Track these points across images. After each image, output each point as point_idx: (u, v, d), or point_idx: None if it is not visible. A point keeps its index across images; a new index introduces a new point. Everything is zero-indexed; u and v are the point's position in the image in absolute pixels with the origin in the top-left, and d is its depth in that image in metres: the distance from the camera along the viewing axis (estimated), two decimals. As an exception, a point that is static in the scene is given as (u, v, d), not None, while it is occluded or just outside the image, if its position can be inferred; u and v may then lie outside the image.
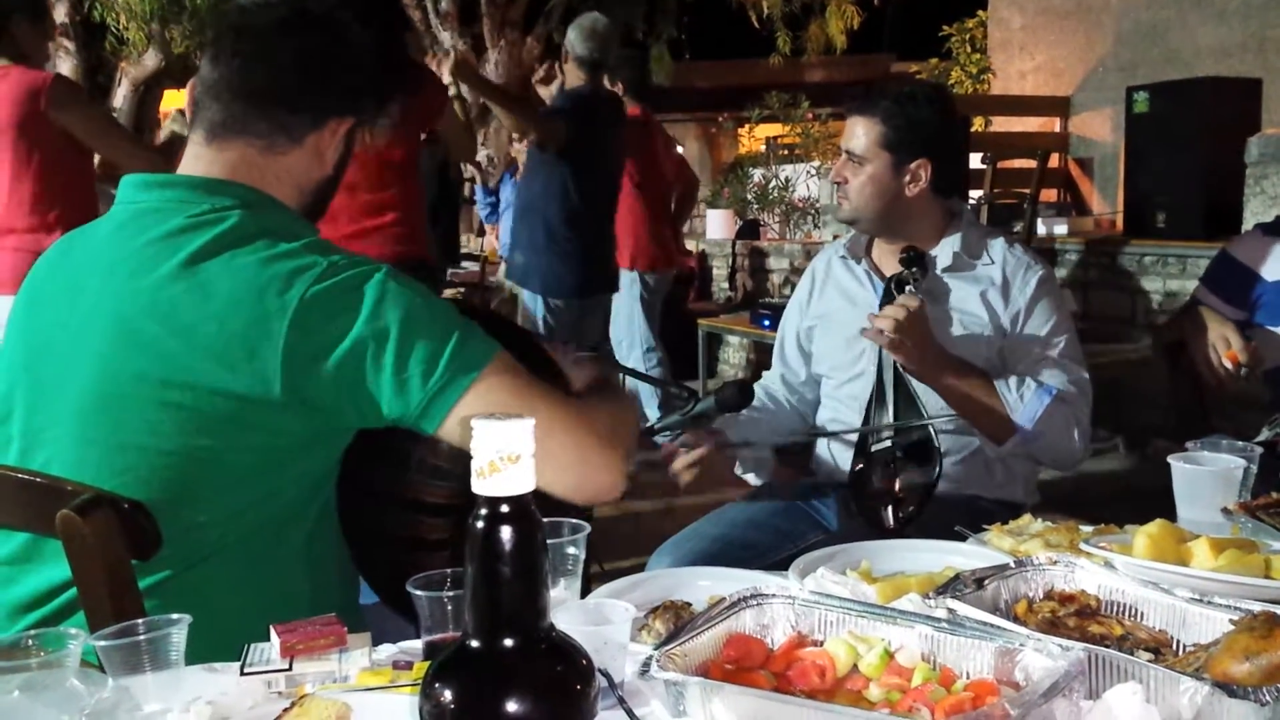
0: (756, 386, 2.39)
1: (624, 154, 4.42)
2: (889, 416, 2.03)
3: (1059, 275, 5.46)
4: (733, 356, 7.27)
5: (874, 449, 2.04)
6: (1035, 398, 1.99)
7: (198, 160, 1.39)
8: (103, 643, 1.05)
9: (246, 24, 1.41)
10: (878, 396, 2.06)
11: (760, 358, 6.78)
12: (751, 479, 2.28)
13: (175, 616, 1.08)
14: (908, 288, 2.06)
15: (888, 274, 2.18)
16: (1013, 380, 2.02)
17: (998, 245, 2.17)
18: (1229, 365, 2.09)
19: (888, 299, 2.06)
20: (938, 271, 2.14)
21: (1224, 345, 2.12)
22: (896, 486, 1.98)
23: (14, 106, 3.11)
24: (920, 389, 2.02)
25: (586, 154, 4.06)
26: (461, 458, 1.29)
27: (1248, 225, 4.40)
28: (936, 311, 2.11)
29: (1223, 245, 2.42)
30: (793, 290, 2.50)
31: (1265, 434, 1.82)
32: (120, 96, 10.45)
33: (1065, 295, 2.24)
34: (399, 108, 3.07)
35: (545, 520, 0.73)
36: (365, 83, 1.48)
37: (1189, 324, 2.26)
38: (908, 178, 2.12)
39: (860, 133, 2.14)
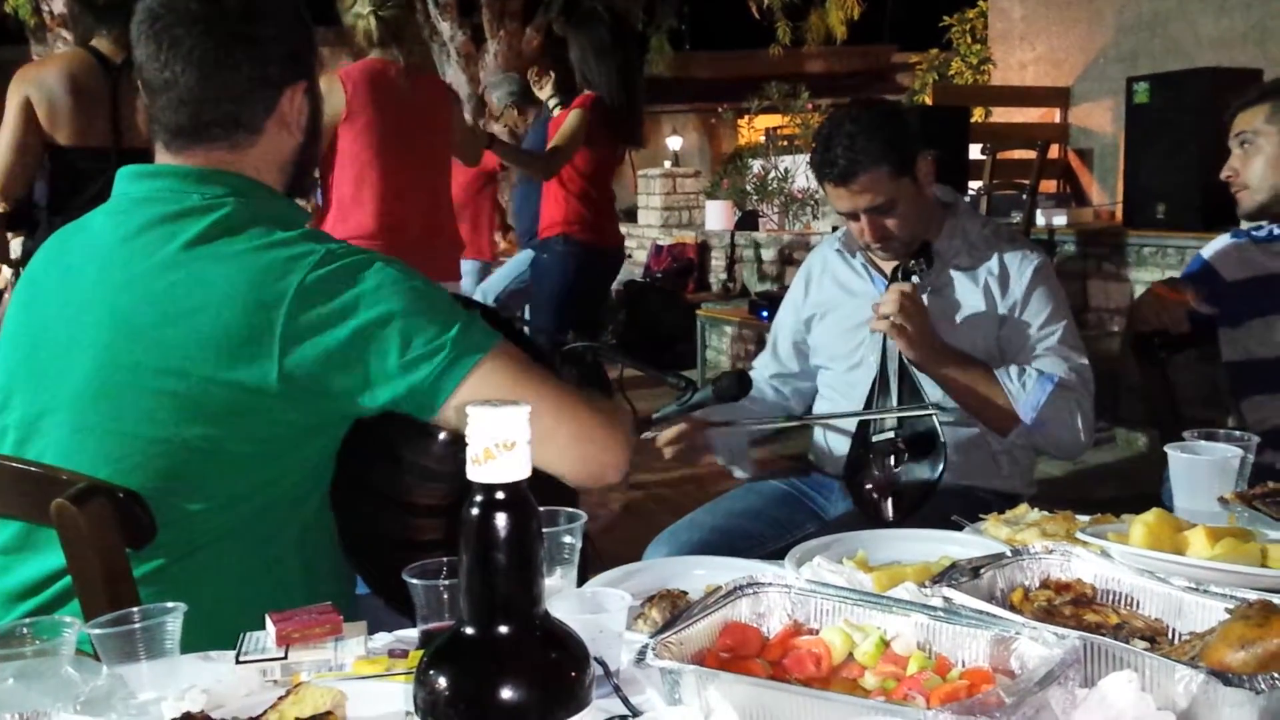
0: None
1: None
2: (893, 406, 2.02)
3: (1057, 266, 5.47)
4: (721, 344, 7.28)
5: (875, 439, 2.03)
6: (1037, 387, 1.99)
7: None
8: (98, 631, 1.05)
9: (162, 30, 1.32)
10: (881, 387, 2.05)
11: (755, 347, 6.79)
12: (736, 472, 2.27)
13: (170, 605, 1.08)
14: (913, 278, 2.05)
15: (885, 266, 2.17)
16: (1014, 370, 2.02)
17: (996, 235, 2.16)
18: (1168, 297, 2.16)
19: None
20: (938, 263, 2.13)
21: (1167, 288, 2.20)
22: (898, 479, 1.97)
23: None
24: (925, 382, 2.01)
25: None
26: (453, 459, 1.29)
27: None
28: (938, 303, 2.10)
29: (1201, 249, 2.45)
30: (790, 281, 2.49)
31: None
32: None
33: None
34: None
35: (541, 509, 0.73)
36: (299, 39, 1.41)
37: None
38: (921, 177, 2.09)
39: (868, 185, 2.03)
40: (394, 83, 3.22)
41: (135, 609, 1.08)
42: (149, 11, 1.34)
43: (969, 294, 2.12)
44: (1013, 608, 1.12)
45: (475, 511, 0.70)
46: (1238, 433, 1.58)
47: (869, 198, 2.05)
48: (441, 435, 1.35)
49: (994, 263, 2.12)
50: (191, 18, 1.32)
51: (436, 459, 1.35)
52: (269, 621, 1.12)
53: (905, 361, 2.00)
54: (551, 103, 4.48)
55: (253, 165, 1.38)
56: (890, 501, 1.97)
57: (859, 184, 2.04)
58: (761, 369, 2.37)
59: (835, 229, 2.70)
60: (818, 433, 2.28)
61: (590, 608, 1.07)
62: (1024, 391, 1.99)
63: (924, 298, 2.08)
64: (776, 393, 2.34)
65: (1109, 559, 1.19)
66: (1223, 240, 2.38)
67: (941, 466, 1.94)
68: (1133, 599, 1.15)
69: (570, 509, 1.25)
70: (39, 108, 3.10)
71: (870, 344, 2.12)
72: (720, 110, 15.20)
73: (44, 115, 3.11)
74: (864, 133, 2.02)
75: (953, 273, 2.13)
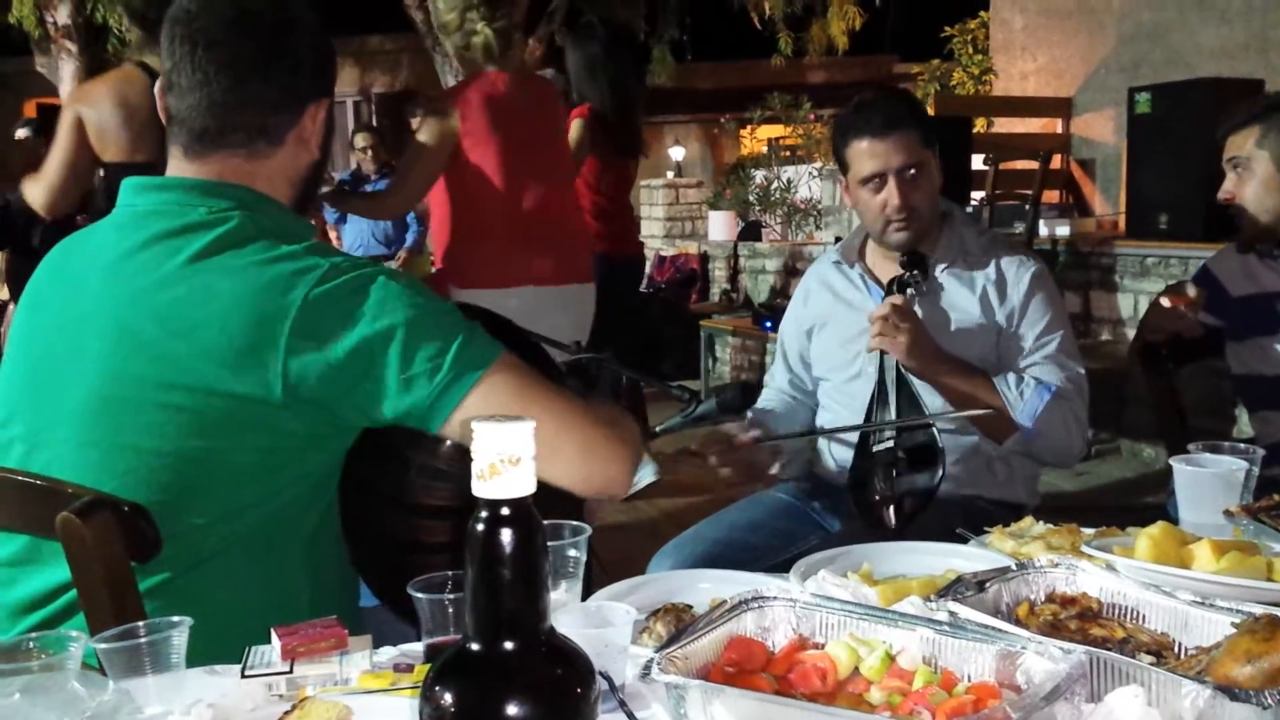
0: (767, 388, 2.39)
1: None
2: (891, 417, 2.02)
3: (1060, 277, 5.47)
4: (724, 355, 7.28)
5: (876, 450, 2.03)
6: (1035, 395, 1.99)
7: (181, 174, 1.38)
8: (104, 645, 1.05)
9: (198, 32, 1.34)
10: (880, 398, 2.05)
11: (759, 358, 6.79)
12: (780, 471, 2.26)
13: (176, 619, 1.08)
14: (909, 290, 2.06)
15: (882, 278, 2.18)
16: (1011, 378, 2.02)
17: (992, 243, 2.17)
18: (1175, 304, 2.16)
19: None
20: (935, 272, 2.13)
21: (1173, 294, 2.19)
22: (898, 488, 1.97)
23: None
24: (923, 390, 2.01)
25: None
26: (461, 460, 1.29)
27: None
28: (935, 312, 2.11)
29: (1205, 261, 2.45)
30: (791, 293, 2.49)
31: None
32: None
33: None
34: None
35: (546, 523, 0.73)
36: (325, 57, 1.43)
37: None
38: (935, 167, 2.11)
39: (903, 142, 2.06)
40: (506, 95, 3.24)
41: (141, 623, 1.08)
42: (185, 13, 1.35)
43: (966, 302, 2.12)
44: (1018, 622, 1.12)
45: (480, 527, 0.70)
46: (1243, 445, 1.58)
47: (903, 156, 2.07)
48: None
49: (991, 270, 2.13)
50: (228, 23, 1.34)
51: (444, 459, 1.35)
52: (274, 635, 1.12)
53: (903, 371, 2.00)
54: None
55: (265, 178, 1.38)
56: (891, 510, 1.97)
57: (895, 138, 2.07)
58: (779, 379, 2.38)
59: (838, 239, 2.71)
60: (821, 444, 2.28)
61: (595, 622, 1.07)
62: (1021, 400, 2.00)
63: (918, 307, 2.08)
64: (796, 401, 2.34)
65: (1114, 573, 1.19)
66: (1228, 252, 2.38)
67: (940, 474, 1.94)
68: (1138, 613, 1.15)
69: (575, 523, 1.25)
70: (89, 126, 3.14)
71: (869, 354, 2.12)
72: (722, 120, 15.22)
73: (94, 133, 3.15)
74: (895, 98, 2.14)
75: (950, 281, 2.14)
